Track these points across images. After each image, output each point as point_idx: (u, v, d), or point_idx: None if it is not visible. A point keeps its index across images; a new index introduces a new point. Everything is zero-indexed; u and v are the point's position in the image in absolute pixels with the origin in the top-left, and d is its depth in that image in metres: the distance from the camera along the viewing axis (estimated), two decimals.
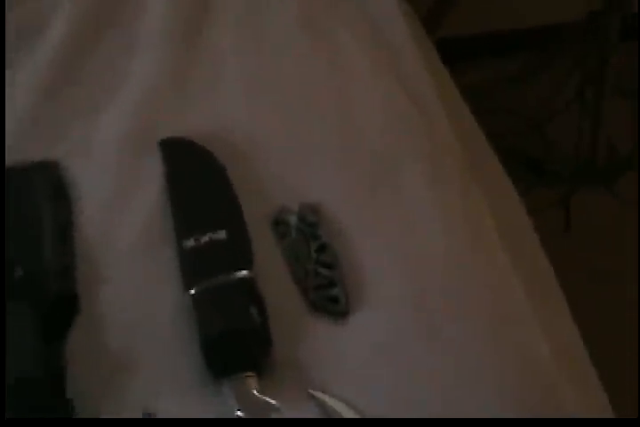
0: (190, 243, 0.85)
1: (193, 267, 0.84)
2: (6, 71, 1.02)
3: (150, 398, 0.77)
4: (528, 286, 0.92)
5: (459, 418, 0.74)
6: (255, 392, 0.75)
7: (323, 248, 0.87)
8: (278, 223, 0.89)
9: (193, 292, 0.82)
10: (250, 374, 0.76)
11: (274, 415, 0.73)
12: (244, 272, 0.82)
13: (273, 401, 0.74)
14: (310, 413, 0.75)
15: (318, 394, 0.75)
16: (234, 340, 0.78)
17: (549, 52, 1.91)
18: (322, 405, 0.75)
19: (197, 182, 0.92)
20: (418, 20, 1.23)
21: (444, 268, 0.87)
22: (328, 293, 0.83)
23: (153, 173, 0.93)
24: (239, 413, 0.74)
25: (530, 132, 1.92)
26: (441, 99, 1.07)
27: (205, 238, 0.85)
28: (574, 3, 1.84)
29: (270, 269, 0.85)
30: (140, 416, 0.75)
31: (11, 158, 0.94)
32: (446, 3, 1.86)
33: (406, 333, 0.81)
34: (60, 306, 0.83)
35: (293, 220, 0.88)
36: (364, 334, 0.81)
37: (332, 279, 0.84)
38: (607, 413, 0.86)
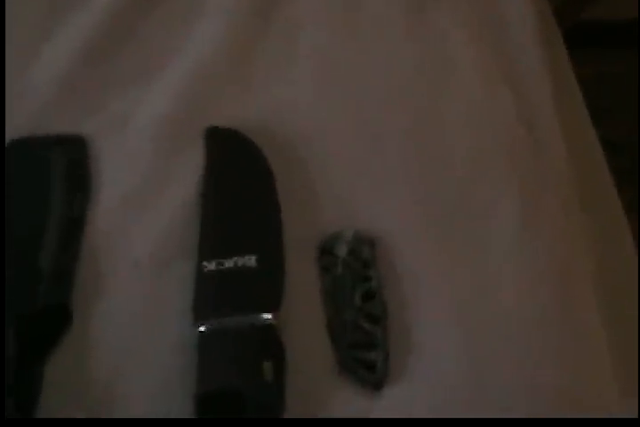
0: (212, 266, 0.70)
1: (209, 297, 0.69)
2: (51, 30, 0.87)
3: None
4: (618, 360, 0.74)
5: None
6: None
7: (371, 295, 0.70)
8: (324, 253, 0.73)
9: (202, 329, 0.67)
10: None
11: None
12: (267, 316, 0.67)
13: None
14: None
15: None
16: (235, 401, 0.63)
17: None
18: None
19: (237, 189, 0.76)
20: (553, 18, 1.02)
21: (516, 337, 0.70)
22: (364, 355, 0.67)
23: (190, 167, 0.78)
24: None
25: None
26: (557, 105, 0.88)
27: (230, 263, 0.70)
28: None
29: (302, 312, 0.70)
30: None
31: (35, 129, 0.80)
32: None
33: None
34: (49, 319, 0.70)
35: (343, 251, 0.72)
36: (398, 415, 0.65)
37: (373, 338, 0.68)
38: None
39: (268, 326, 0.66)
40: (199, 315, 0.68)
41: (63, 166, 0.78)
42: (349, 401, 0.66)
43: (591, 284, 0.77)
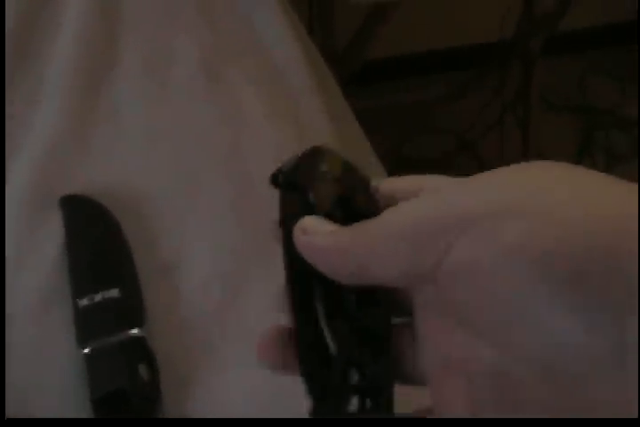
0: (84, 302, 0.88)
1: (86, 326, 0.87)
2: None
3: None
4: None
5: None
6: None
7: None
8: None
9: (86, 351, 0.85)
10: None
11: None
12: (135, 330, 0.86)
13: None
14: None
15: None
16: (121, 399, 0.81)
17: (477, 71, 1.95)
18: None
19: (93, 240, 0.95)
20: (324, 63, 1.25)
21: None
22: None
23: (53, 230, 0.96)
24: None
25: (462, 151, 1.95)
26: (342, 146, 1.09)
27: (99, 297, 0.88)
28: (496, 24, 1.88)
29: (166, 323, 0.89)
30: None
31: None
32: (371, 26, 1.89)
33: None
34: None
35: None
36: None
37: None
38: None
39: (137, 338, 0.85)
40: (81, 341, 0.86)
41: None
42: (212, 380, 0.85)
43: None
